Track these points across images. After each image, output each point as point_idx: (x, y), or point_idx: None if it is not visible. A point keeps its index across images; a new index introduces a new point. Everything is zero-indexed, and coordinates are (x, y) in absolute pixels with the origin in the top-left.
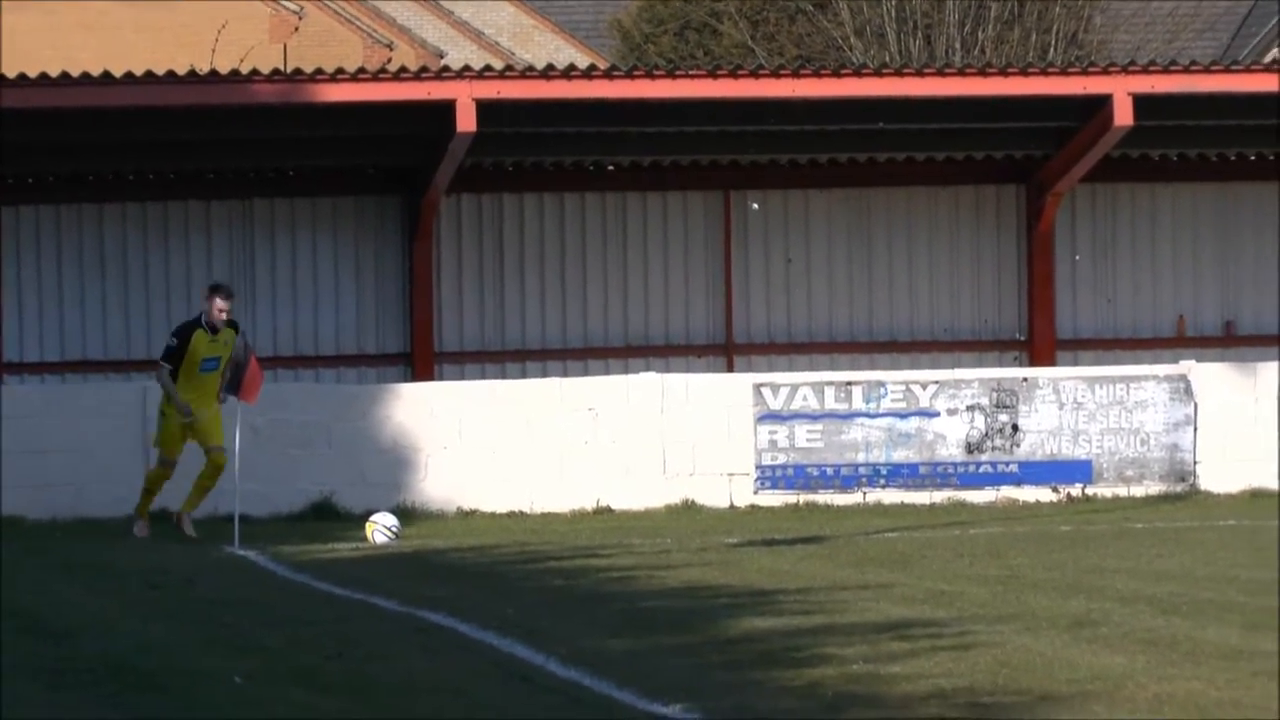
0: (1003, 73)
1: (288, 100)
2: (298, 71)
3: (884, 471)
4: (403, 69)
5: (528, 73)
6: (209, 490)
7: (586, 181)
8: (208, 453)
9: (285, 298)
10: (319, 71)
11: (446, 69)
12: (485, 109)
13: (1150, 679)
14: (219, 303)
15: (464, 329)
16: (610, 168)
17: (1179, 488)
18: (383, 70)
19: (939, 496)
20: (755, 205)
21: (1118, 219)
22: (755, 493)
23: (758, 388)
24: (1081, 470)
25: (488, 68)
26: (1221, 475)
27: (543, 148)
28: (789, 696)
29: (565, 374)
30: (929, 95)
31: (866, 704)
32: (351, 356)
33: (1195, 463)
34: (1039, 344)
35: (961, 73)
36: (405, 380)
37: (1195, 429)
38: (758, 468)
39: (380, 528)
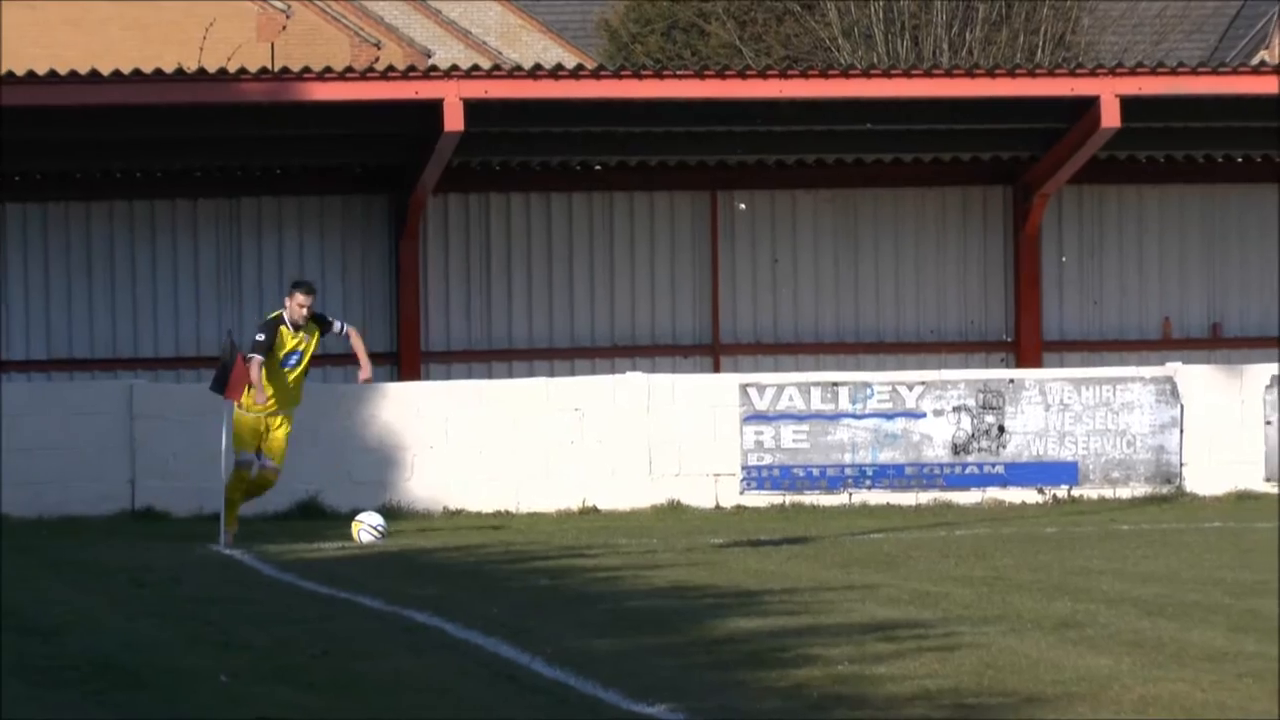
0: (990, 74)
1: (275, 99)
2: (285, 70)
3: (870, 472)
4: (390, 68)
5: (515, 72)
6: (241, 500)
7: (574, 181)
8: (262, 466)
9: (272, 296)
10: (306, 70)
11: (434, 68)
12: (473, 108)
13: (1136, 680)
14: (300, 298)
15: (451, 329)
16: (597, 167)
17: (1165, 489)
18: (370, 69)
19: (925, 498)
20: (742, 206)
21: (1104, 221)
22: (741, 493)
23: (744, 388)
24: (1067, 472)
25: (475, 67)
26: (1207, 477)
27: (530, 147)
28: (774, 697)
29: (552, 374)
30: (916, 96)
31: (852, 705)
32: (338, 355)
33: (1181, 464)
34: (1025, 345)
35: (949, 74)
36: (392, 380)
37: (1181, 431)
38: (744, 468)
39: (366, 527)
